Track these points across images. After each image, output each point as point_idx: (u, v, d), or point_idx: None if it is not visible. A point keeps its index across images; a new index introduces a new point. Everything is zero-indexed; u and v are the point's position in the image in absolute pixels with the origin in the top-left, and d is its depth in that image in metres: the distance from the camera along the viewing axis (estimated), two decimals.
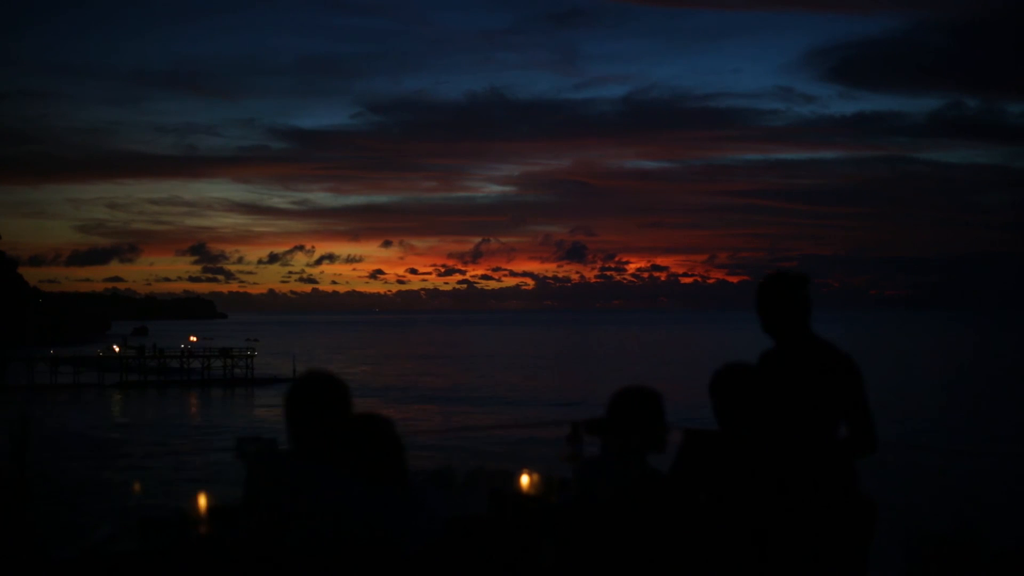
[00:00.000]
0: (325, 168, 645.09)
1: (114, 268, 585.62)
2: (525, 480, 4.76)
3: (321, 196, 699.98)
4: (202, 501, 3.86)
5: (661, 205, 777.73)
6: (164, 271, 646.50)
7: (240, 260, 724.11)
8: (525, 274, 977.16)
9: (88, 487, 26.26)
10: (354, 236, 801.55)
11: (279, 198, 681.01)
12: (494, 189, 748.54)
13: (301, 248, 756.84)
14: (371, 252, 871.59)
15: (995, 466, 28.79)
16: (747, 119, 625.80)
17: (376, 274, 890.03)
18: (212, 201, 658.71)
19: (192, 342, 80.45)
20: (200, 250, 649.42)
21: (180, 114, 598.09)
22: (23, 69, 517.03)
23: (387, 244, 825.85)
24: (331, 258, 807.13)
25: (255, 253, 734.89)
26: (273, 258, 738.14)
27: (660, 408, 3.40)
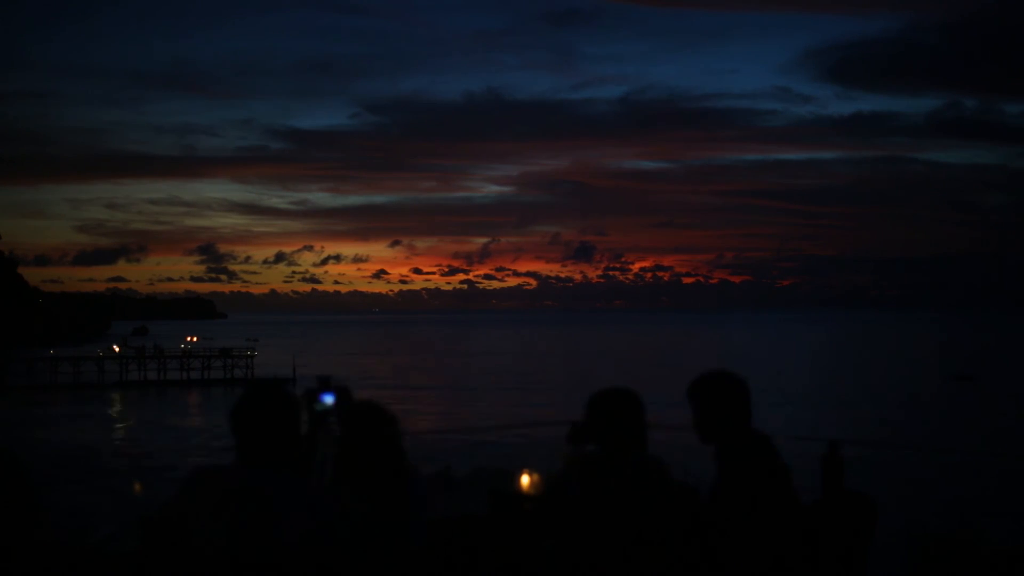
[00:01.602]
0: (324, 168, 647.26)
1: (120, 268, 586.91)
2: (525, 480, 4.76)
3: (320, 196, 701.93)
4: None
5: (660, 205, 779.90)
6: (168, 271, 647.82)
7: (248, 260, 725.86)
8: (528, 274, 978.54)
9: (87, 487, 26.26)
10: (362, 237, 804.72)
11: (278, 198, 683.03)
12: (493, 189, 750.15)
13: (310, 248, 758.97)
14: (376, 252, 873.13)
15: (994, 466, 28.79)
16: (745, 119, 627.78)
17: (380, 274, 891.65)
18: (211, 201, 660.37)
19: (191, 342, 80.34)
20: (207, 250, 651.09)
21: (179, 114, 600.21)
22: (23, 69, 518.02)
23: (396, 244, 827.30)
24: (337, 258, 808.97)
25: (253, 253, 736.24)
26: (280, 258, 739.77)
27: (639, 407, 3.44)
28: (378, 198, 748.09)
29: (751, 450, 3.36)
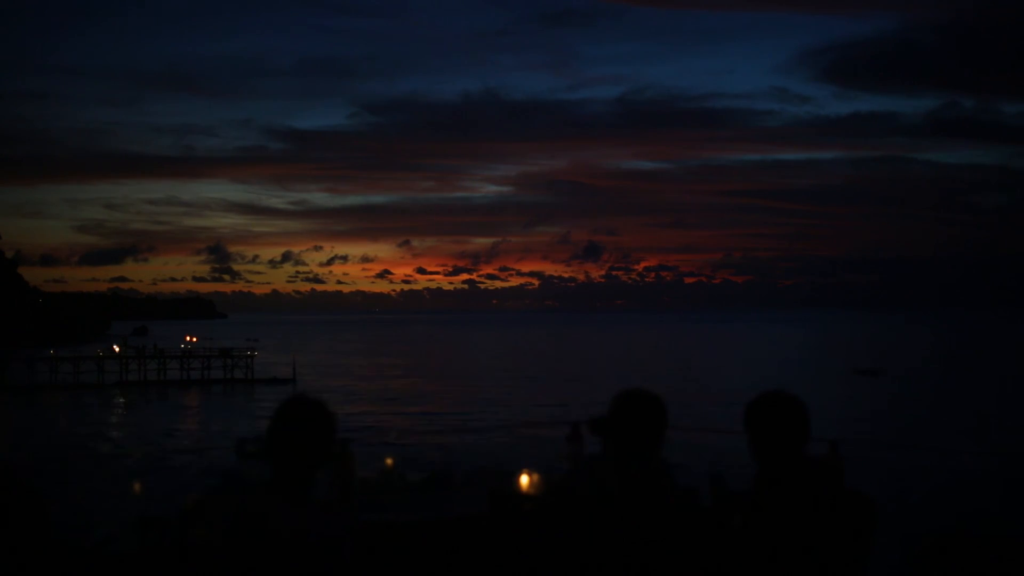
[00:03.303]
0: (322, 168, 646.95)
1: (126, 268, 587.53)
2: (525, 480, 4.76)
3: (319, 196, 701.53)
4: None
5: (659, 206, 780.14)
6: (173, 271, 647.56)
7: (255, 259, 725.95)
8: (532, 274, 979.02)
9: (87, 487, 26.24)
10: (363, 237, 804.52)
11: (277, 198, 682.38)
12: (491, 189, 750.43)
13: (319, 248, 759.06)
14: (381, 252, 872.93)
15: (995, 466, 28.79)
16: (742, 120, 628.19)
17: (384, 274, 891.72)
18: (210, 201, 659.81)
19: (191, 342, 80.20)
20: (215, 250, 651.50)
21: (178, 115, 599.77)
22: (22, 69, 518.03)
23: (405, 243, 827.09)
24: (345, 259, 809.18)
25: (259, 253, 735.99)
26: (286, 257, 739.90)
27: (662, 412, 3.42)
28: (377, 198, 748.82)
29: (789, 481, 3.32)
